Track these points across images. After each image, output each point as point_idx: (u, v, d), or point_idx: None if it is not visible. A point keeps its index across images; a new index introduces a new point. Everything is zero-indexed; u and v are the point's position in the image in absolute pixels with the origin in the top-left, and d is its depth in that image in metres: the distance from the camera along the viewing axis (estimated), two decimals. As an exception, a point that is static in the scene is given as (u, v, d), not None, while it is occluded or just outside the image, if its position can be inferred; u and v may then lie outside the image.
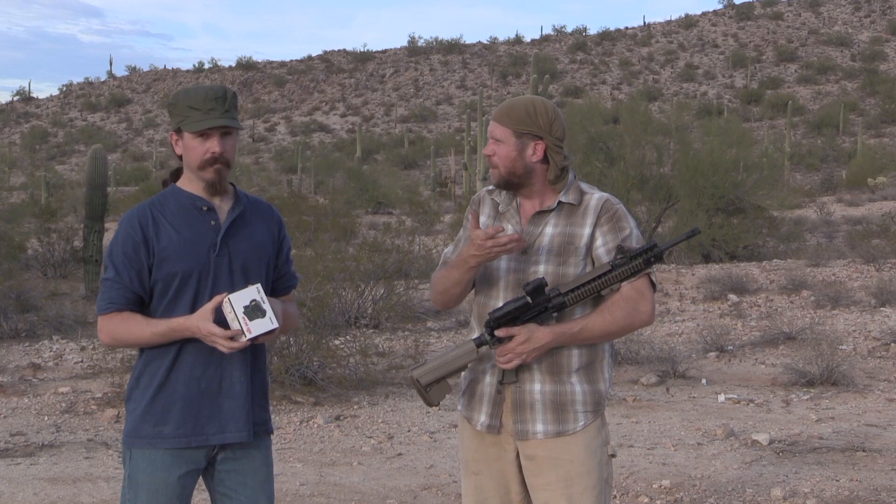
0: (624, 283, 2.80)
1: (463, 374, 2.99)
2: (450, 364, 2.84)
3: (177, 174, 2.87)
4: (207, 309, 2.66)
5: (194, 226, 2.76)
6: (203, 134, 2.71)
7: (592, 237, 2.85)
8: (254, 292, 2.65)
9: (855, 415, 7.12)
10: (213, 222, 2.78)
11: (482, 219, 2.98)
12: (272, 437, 3.01)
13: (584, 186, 2.93)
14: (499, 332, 2.77)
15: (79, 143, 77.45)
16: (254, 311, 2.64)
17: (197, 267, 2.74)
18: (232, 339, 2.65)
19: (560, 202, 2.88)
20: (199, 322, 2.66)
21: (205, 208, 2.78)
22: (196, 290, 2.73)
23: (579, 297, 2.78)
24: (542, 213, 2.89)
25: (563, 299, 2.77)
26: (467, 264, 2.82)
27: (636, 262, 2.76)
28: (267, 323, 2.65)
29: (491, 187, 3.01)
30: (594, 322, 2.79)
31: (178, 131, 2.76)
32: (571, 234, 2.85)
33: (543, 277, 2.77)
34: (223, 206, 2.81)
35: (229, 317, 2.65)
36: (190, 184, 2.81)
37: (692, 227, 2.95)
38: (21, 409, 7.36)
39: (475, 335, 2.88)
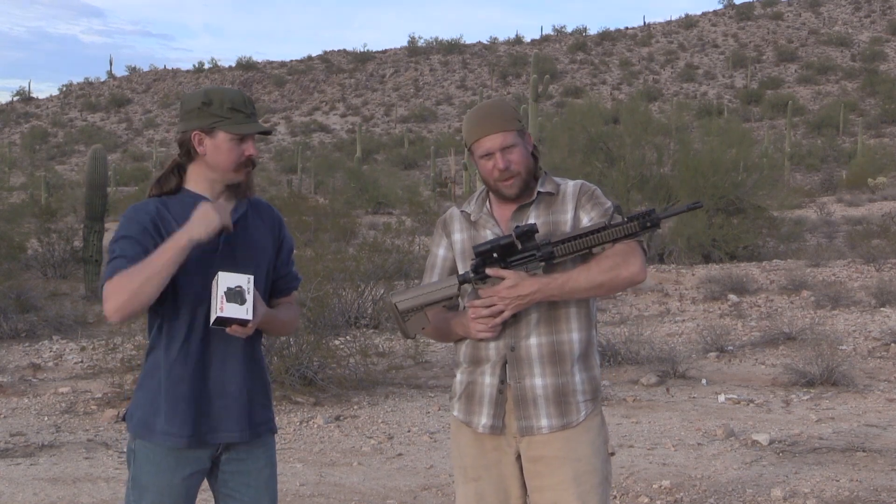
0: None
1: (458, 378, 2.97)
2: (430, 294, 2.80)
3: (164, 183, 2.80)
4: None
5: None
6: (241, 136, 2.73)
7: (576, 219, 2.84)
8: (243, 280, 2.64)
9: (855, 415, 7.12)
10: None
11: (455, 236, 2.96)
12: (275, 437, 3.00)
13: (557, 179, 2.94)
14: (490, 271, 2.73)
15: (79, 143, 77.44)
16: (235, 295, 2.62)
17: (199, 266, 2.72)
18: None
19: (539, 192, 2.88)
20: (191, 223, 2.63)
21: None
22: (198, 288, 2.71)
23: (569, 250, 2.73)
24: (523, 208, 2.88)
25: (551, 249, 2.73)
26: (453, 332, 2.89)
27: (632, 223, 2.72)
28: (241, 311, 2.62)
29: (465, 207, 2.99)
30: (580, 272, 2.74)
31: (210, 131, 2.72)
32: (555, 222, 2.85)
33: (535, 223, 2.75)
34: (226, 207, 2.79)
35: (213, 293, 2.64)
36: (197, 184, 2.79)
37: (694, 201, 2.92)
38: (21, 409, 7.36)
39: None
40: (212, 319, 2.64)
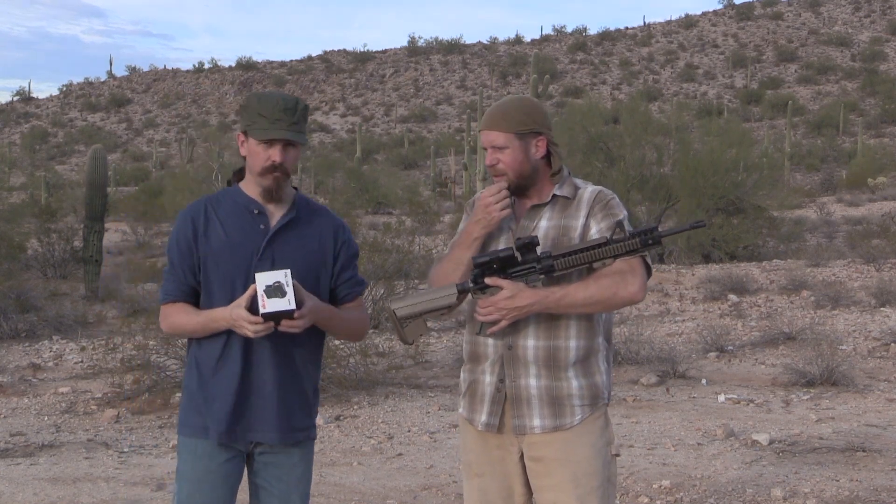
0: (617, 260, 2.75)
1: (462, 376, 3.00)
2: (428, 302, 2.82)
3: (240, 174, 2.93)
4: (243, 297, 2.72)
5: (243, 228, 2.82)
6: (268, 142, 2.77)
7: (586, 227, 2.84)
8: (280, 275, 2.68)
9: (855, 415, 7.12)
10: (262, 226, 2.83)
11: None
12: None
13: (578, 182, 2.94)
14: (489, 280, 2.75)
15: (79, 143, 77.43)
16: (275, 290, 2.66)
17: (239, 269, 2.79)
18: (254, 323, 2.70)
19: (555, 195, 2.89)
20: (230, 310, 2.72)
21: (256, 212, 2.83)
22: (235, 291, 2.78)
23: (569, 264, 2.74)
24: (536, 207, 2.90)
25: (551, 262, 2.74)
26: (472, 236, 2.85)
27: (633, 240, 2.71)
28: (283, 303, 2.66)
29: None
30: (577, 288, 2.75)
31: (246, 133, 2.81)
32: (566, 227, 2.85)
33: (536, 236, 2.76)
34: (276, 212, 2.85)
35: (257, 297, 2.69)
36: (249, 186, 2.87)
37: (697, 219, 2.93)
38: (21, 409, 7.37)
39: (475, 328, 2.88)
40: (259, 320, 2.69)
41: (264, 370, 2.81)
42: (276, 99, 2.79)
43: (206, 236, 2.81)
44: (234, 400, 2.79)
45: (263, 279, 2.67)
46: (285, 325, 2.70)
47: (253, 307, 2.69)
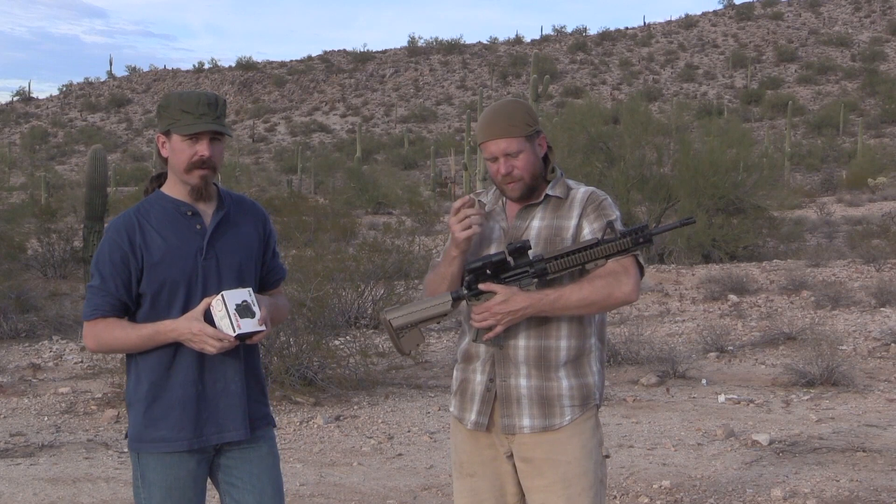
0: (609, 260, 2.76)
1: (454, 374, 3.00)
2: (423, 311, 2.83)
3: (159, 179, 2.87)
4: (198, 310, 2.69)
5: (180, 231, 2.78)
6: (193, 137, 2.73)
7: (578, 227, 2.84)
8: (245, 294, 2.72)
9: (855, 415, 7.12)
10: (198, 226, 2.80)
11: None
12: (275, 431, 3.03)
13: (571, 182, 2.94)
14: (482, 286, 2.76)
15: (79, 143, 77.42)
16: (245, 310, 2.70)
17: (185, 272, 2.75)
18: (220, 340, 2.70)
19: (547, 195, 2.89)
20: (189, 323, 2.68)
21: (189, 213, 2.80)
22: (186, 295, 2.75)
23: (562, 266, 2.74)
24: (529, 207, 2.90)
25: (544, 265, 2.74)
26: (450, 255, 2.84)
27: (624, 239, 2.72)
28: (255, 323, 2.72)
29: (481, 191, 3.03)
30: (572, 290, 2.75)
31: (167, 133, 2.77)
32: (558, 227, 2.85)
33: (528, 240, 2.76)
34: (207, 210, 2.83)
35: (219, 314, 2.69)
36: (174, 189, 2.82)
37: (688, 216, 2.93)
38: (21, 409, 7.36)
39: (468, 336, 2.89)
40: (230, 338, 2.70)
41: (230, 367, 2.81)
42: (198, 95, 2.77)
43: (145, 247, 2.74)
44: (195, 405, 2.77)
45: (232, 298, 2.69)
46: (253, 340, 2.75)
47: (208, 320, 2.69)
